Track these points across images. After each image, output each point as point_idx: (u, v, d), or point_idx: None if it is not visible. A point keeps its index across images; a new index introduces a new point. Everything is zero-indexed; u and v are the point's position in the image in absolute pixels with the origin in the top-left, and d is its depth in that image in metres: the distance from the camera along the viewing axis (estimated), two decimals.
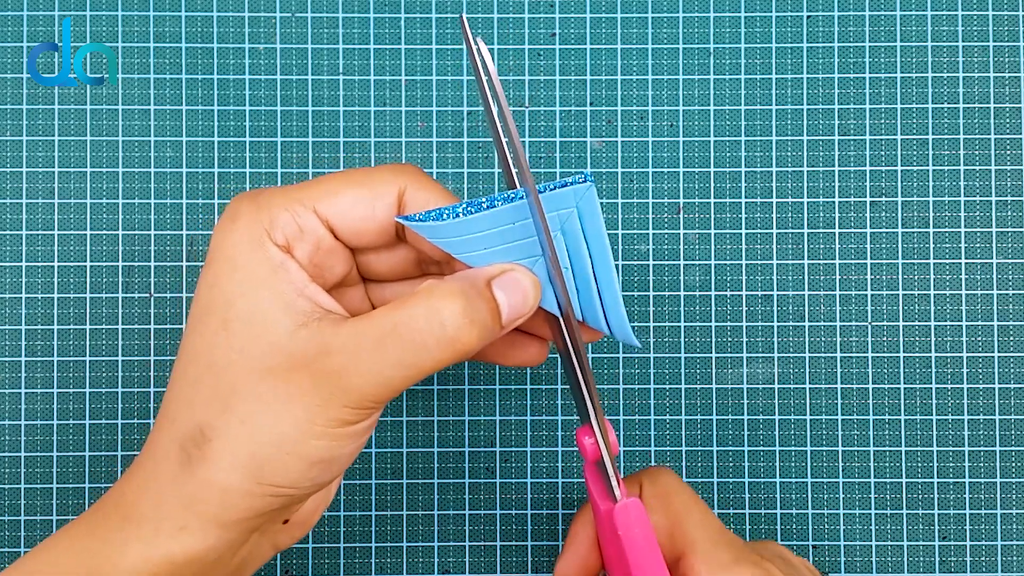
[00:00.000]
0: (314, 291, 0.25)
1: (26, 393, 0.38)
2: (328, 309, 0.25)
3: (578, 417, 0.29)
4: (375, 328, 0.24)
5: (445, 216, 0.25)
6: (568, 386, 0.29)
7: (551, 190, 0.26)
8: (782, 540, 0.38)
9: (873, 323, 0.38)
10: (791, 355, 0.38)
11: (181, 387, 0.25)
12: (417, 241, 0.27)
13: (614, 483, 0.28)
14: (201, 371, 0.25)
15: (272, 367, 0.24)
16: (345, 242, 0.27)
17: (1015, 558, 0.38)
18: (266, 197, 0.26)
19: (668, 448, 0.38)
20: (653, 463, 0.38)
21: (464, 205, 0.26)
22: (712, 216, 0.39)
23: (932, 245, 0.39)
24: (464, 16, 0.24)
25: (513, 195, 0.26)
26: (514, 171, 0.26)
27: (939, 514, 0.38)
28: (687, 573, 0.29)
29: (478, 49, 0.24)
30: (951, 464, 0.38)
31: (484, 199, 0.26)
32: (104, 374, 0.38)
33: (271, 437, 0.24)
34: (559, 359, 0.29)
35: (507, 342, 0.29)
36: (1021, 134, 0.39)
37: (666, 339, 0.38)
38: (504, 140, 0.26)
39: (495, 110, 0.25)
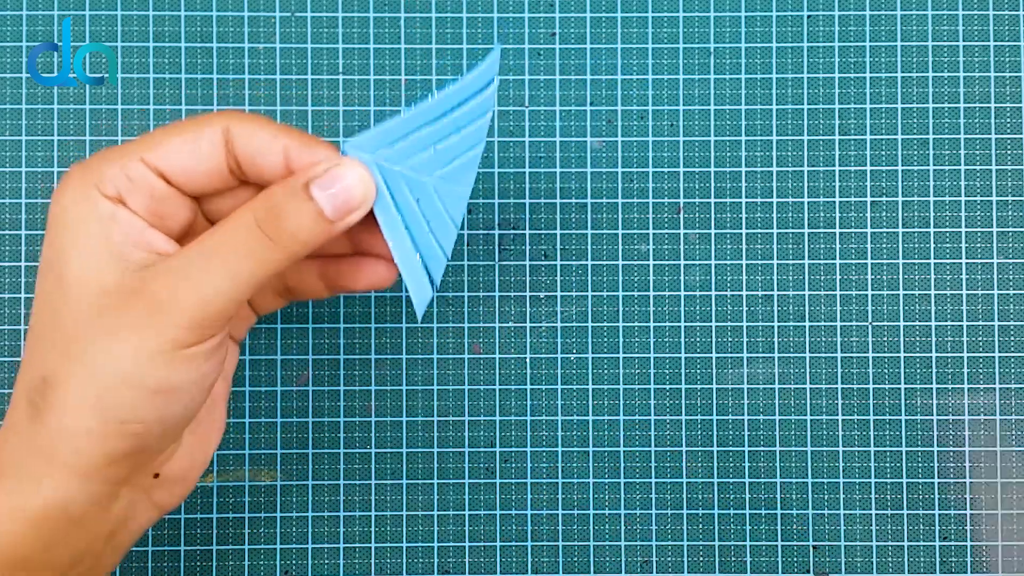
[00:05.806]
0: (152, 237, 0.26)
1: None
2: (166, 253, 0.26)
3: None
4: (200, 247, 0.25)
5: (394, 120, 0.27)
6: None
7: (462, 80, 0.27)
8: (782, 540, 0.38)
9: (873, 323, 0.38)
10: (791, 355, 0.38)
11: (30, 342, 0.26)
12: (259, 173, 0.27)
13: None
14: (44, 325, 0.26)
15: (102, 307, 0.25)
16: (180, 187, 0.27)
17: (1015, 558, 0.38)
18: (96, 158, 0.26)
19: (668, 448, 0.38)
20: (653, 463, 0.38)
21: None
22: (712, 216, 0.39)
23: (933, 245, 0.39)
24: None
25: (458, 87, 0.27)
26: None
27: (939, 514, 0.38)
28: None
29: None
30: (952, 464, 0.38)
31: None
32: None
33: (112, 372, 0.25)
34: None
35: (352, 265, 0.30)
36: (1022, 134, 0.39)
37: (666, 339, 0.38)
38: None
39: None
